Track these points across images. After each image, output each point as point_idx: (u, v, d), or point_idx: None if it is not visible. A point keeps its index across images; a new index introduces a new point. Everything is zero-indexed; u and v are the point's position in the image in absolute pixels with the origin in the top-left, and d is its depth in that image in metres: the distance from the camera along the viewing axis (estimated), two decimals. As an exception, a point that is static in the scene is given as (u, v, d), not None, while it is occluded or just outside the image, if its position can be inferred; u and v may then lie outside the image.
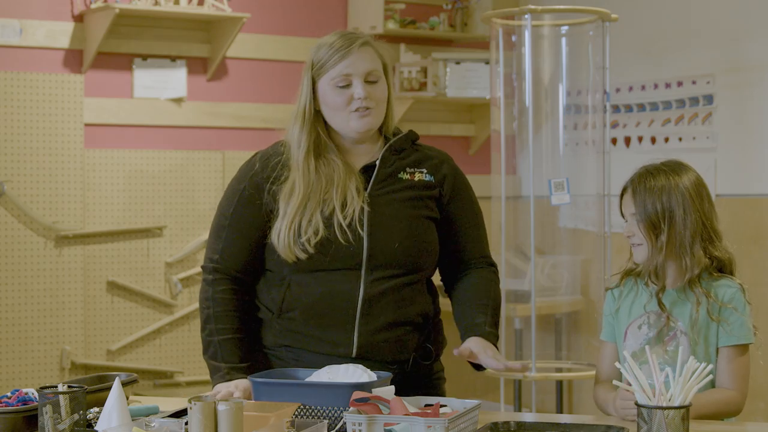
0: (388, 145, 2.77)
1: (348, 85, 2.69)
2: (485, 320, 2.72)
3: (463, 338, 2.70)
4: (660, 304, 2.67)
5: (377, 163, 2.74)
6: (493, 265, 2.86)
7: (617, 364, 2.65)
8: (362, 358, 2.65)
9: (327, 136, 2.76)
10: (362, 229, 2.66)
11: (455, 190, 2.80)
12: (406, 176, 2.76)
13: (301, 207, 2.67)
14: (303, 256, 2.65)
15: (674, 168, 2.71)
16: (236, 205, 2.75)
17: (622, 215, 2.75)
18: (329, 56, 2.69)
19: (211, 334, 2.72)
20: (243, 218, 2.75)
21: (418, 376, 2.73)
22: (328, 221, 2.66)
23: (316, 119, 2.75)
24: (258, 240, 2.74)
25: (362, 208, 2.67)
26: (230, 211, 2.76)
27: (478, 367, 2.70)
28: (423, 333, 2.76)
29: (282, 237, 2.66)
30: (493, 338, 2.69)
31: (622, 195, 2.75)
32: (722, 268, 2.71)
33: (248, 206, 2.74)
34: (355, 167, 2.75)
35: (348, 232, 2.65)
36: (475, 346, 2.64)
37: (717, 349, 2.68)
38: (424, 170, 2.78)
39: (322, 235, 2.64)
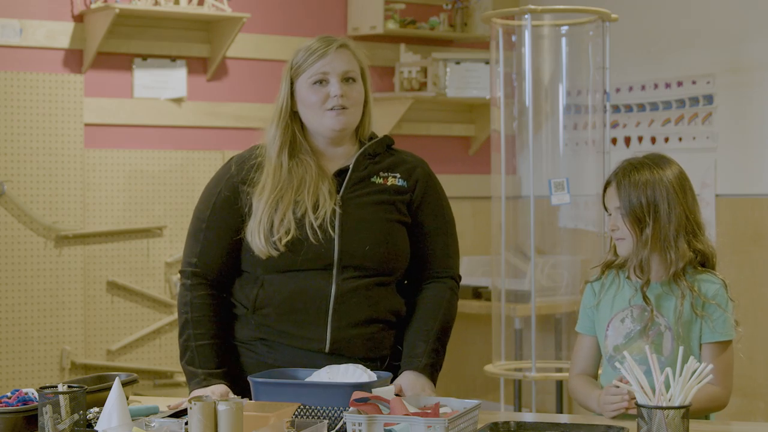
0: (362, 149, 2.79)
1: (324, 84, 2.73)
2: (424, 349, 2.73)
3: (402, 366, 2.73)
4: (645, 298, 2.67)
5: (350, 166, 2.77)
6: (454, 277, 2.86)
7: (617, 364, 2.65)
8: (335, 354, 2.68)
9: (303, 137, 2.79)
10: (333, 231, 2.69)
11: (425, 196, 2.82)
12: (379, 180, 2.78)
13: (272, 204, 2.70)
14: (275, 253, 2.67)
15: (657, 162, 2.71)
16: (212, 208, 2.78)
17: (606, 209, 2.75)
18: (306, 57, 2.76)
19: (188, 339, 2.74)
20: (220, 221, 2.77)
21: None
22: (300, 222, 2.69)
23: (293, 120, 2.79)
24: (235, 242, 2.76)
25: (334, 210, 2.70)
26: (207, 215, 2.79)
27: None
28: (397, 332, 2.78)
29: (254, 233, 2.70)
30: (429, 370, 2.71)
31: (605, 188, 2.75)
32: (705, 262, 2.71)
33: (224, 209, 2.77)
34: (329, 171, 2.77)
35: (319, 233, 2.68)
36: (406, 383, 2.67)
37: (700, 345, 2.67)
38: (398, 175, 2.80)
39: (294, 235, 2.67)
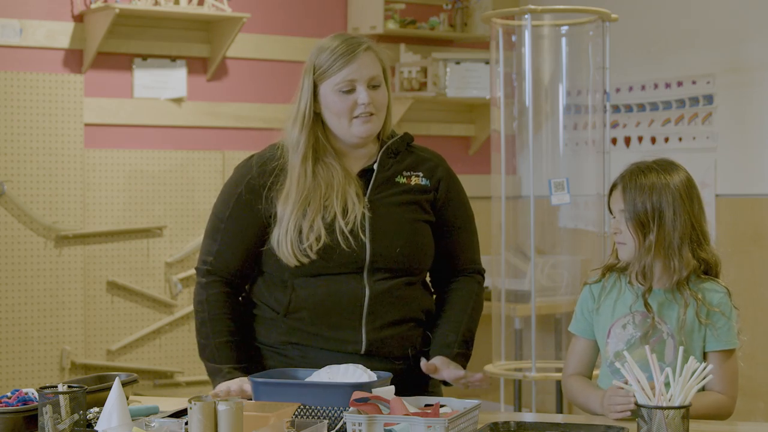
0: (384, 148, 2.78)
1: (351, 91, 2.69)
2: (455, 340, 2.76)
3: (431, 354, 2.75)
4: (646, 305, 2.65)
5: (375, 167, 2.75)
6: (480, 272, 2.89)
7: (617, 364, 2.65)
8: (370, 355, 2.69)
9: (326, 139, 2.76)
10: (364, 235, 2.68)
11: (449, 194, 2.82)
12: (403, 180, 2.77)
13: (299, 212, 2.67)
14: (305, 261, 2.66)
15: (665, 167, 2.68)
16: (233, 208, 2.75)
17: (610, 211, 2.73)
18: (332, 61, 2.69)
19: (207, 337, 2.74)
20: (239, 222, 2.75)
21: (419, 373, 2.74)
22: (329, 227, 2.67)
23: (316, 123, 2.74)
24: (254, 245, 2.74)
25: (363, 214, 2.69)
26: (226, 215, 2.76)
27: (444, 383, 2.77)
28: (425, 329, 2.80)
29: (281, 242, 2.67)
30: (460, 359, 2.75)
31: (611, 191, 2.72)
32: (708, 270, 2.69)
33: (245, 210, 2.74)
34: (353, 171, 2.76)
35: (350, 238, 2.67)
36: (440, 362, 2.71)
37: (704, 354, 2.66)
38: (420, 174, 2.80)
39: (325, 242, 2.66)
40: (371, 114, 2.70)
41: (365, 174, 2.76)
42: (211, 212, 2.81)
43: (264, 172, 2.74)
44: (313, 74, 2.72)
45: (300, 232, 2.66)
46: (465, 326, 2.79)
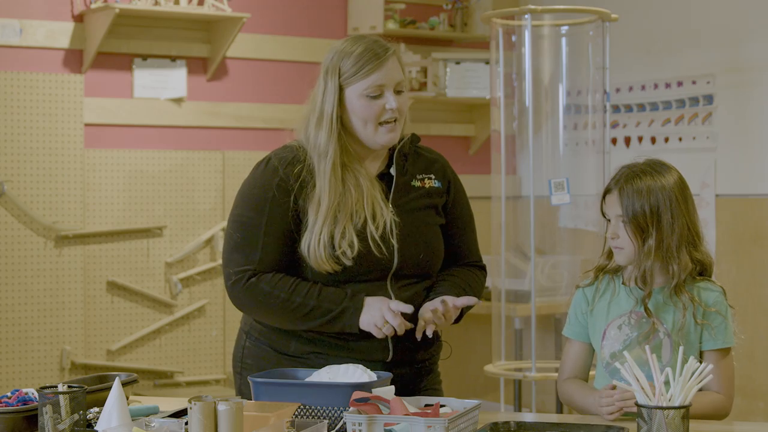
0: (396, 150, 2.77)
1: (379, 96, 2.68)
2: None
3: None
4: (646, 310, 2.64)
5: (393, 171, 2.75)
6: (483, 268, 2.90)
7: (617, 364, 2.65)
8: (395, 362, 2.69)
9: (348, 143, 2.72)
10: (394, 240, 2.68)
11: (456, 194, 2.84)
12: (418, 184, 2.78)
13: (329, 219, 2.64)
14: (338, 268, 2.64)
15: (658, 169, 2.67)
16: (270, 212, 2.67)
17: (604, 215, 2.72)
18: (360, 66, 2.67)
19: (307, 298, 2.64)
20: (279, 225, 2.67)
21: (423, 374, 2.77)
22: (361, 234, 2.66)
23: (340, 127, 2.71)
24: (293, 246, 2.69)
25: (392, 219, 2.69)
26: (263, 220, 2.67)
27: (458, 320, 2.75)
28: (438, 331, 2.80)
29: (313, 249, 2.64)
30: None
31: (604, 195, 2.70)
32: (703, 271, 2.69)
33: (283, 212, 2.67)
34: (371, 173, 2.75)
35: (381, 245, 2.66)
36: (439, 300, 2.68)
37: (701, 353, 2.66)
38: (432, 176, 2.80)
39: (359, 249, 2.64)
40: (395, 120, 2.70)
41: (382, 177, 2.76)
42: (236, 220, 2.72)
43: (290, 174, 2.69)
44: (339, 78, 2.69)
45: (331, 238, 2.64)
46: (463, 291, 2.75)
